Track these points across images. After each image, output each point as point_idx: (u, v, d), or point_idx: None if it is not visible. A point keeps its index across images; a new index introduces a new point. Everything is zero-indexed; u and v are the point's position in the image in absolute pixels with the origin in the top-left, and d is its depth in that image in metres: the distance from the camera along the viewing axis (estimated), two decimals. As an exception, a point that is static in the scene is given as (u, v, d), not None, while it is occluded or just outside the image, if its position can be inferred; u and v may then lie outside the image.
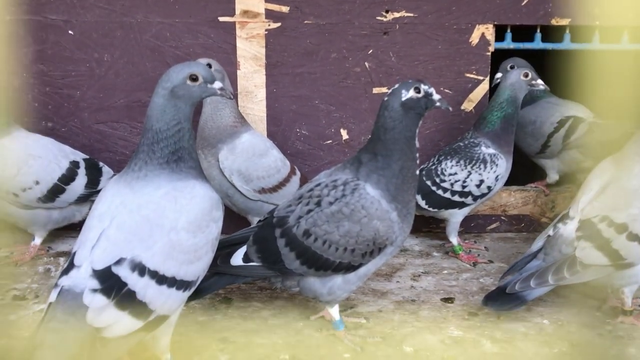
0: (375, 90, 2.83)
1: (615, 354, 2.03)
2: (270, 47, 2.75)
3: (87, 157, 2.68)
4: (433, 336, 2.10)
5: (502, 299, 2.16)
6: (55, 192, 2.51)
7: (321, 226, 1.93)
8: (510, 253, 2.77)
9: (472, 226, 3.00)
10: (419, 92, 1.92)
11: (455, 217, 2.68)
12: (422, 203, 2.61)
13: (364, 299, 2.35)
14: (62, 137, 2.73)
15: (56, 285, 1.63)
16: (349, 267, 1.96)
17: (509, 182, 2.77)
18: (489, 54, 2.82)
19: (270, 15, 2.72)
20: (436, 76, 2.81)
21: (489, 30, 2.78)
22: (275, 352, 1.99)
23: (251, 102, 2.79)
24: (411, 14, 2.75)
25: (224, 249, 2.03)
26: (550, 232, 2.24)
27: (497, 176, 2.60)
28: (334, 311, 2.07)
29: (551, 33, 2.87)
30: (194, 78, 1.74)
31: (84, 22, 2.69)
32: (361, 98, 2.83)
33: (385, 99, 1.95)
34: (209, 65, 2.43)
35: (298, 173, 2.68)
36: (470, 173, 2.59)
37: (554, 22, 2.77)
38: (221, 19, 2.71)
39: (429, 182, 2.62)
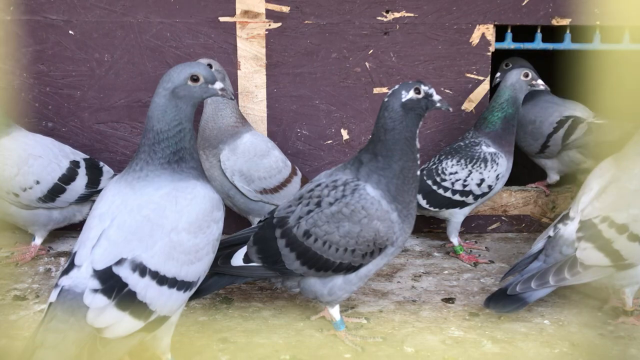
0: (376, 90, 2.83)
1: (617, 355, 2.02)
2: (271, 47, 2.75)
3: (87, 156, 2.68)
4: (434, 336, 2.10)
5: (503, 300, 2.16)
6: (55, 191, 2.51)
7: (321, 227, 1.93)
8: (511, 253, 2.77)
9: (472, 226, 3.00)
10: (419, 93, 1.92)
11: (456, 217, 2.68)
12: (423, 202, 2.61)
13: (365, 299, 2.35)
14: (63, 137, 2.74)
15: (56, 285, 1.63)
16: (350, 268, 1.96)
17: (510, 182, 2.77)
18: (490, 54, 2.82)
19: (270, 15, 2.72)
20: (436, 76, 2.81)
21: (489, 31, 2.78)
22: (275, 352, 1.99)
23: (252, 102, 2.78)
24: (411, 14, 2.75)
25: (225, 250, 2.03)
26: (551, 233, 2.23)
27: (498, 175, 2.60)
28: (335, 311, 2.07)
29: (552, 33, 2.87)
30: (195, 78, 1.74)
31: (85, 22, 2.69)
32: (361, 98, 2.83)
33: (386, 99, 1.95)
34: (210, 66, 2.43)
35: (299, 173, 2.68)
36: (471, 172, 2.59)
37: (554, 22, 2.77)
38: (222, 19, 2.71)
39: (429, 182, 2.62)
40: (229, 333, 2.09)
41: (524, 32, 2.83)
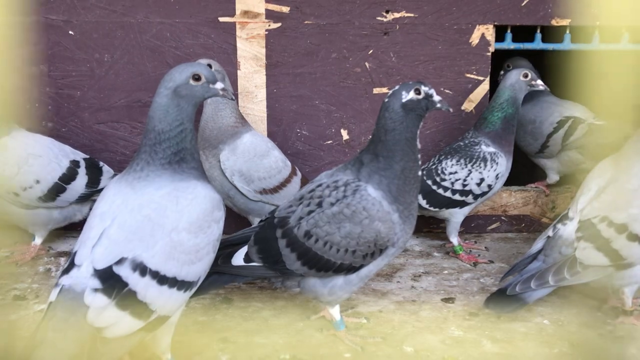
0: (376, 90, 2.83)
1: (616, 354, 2.03)
2: (271, 47, 2.75)
3: (87, 156, 2.68)
4: (433, 336, 2.10)
5: (503, 300, 2.17)
6: (55, 191, 2.51)
7: (322, 227, 1.93)
8: (510, 253, 2.78)
9: (472, 226, 3.01)
10: (419, 93, 1.92)
11: (455, 217, 2.68)
12: (423, 202, 2.61)
13: (365, 299, 2.35)
14: (63, 137, 2.74)
15: (57, 284, 1.63)
16: (350, 268, 1.96)
17: (510, 182, 2.78)
18: (489, 54, 2.82)
19: (270, 15, 2.72)
20: (436, 76, 2.82)
21: (489, 31, 2.79)
22: (275, 352, 1.99)
23: (251, 102, 2.79)
24: (411, 14, 2.75)
25: (225, 249, 2.03)
26: (550, 233, 2.24)
27: (498, 175, 2.60)
28: (335, 311, 2.07)
29: (551, 33, 2.87)
30: (196, 78, 1.74)
31: (85, 22, 2.69)
32: (361, 98, 2.83)
33: (386, 100, 1.95)
34: (209, 66, 2.43)
35: (299, 174, 2.68)
36: (470, 172, 2.59)
37: (554, 22, 2.78)
38: (221, 19, 2.71)
39: (429, 182, 2.62)
40: (229, 333, 2.09)
41: (523, 33, 2.84)
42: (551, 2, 2.75)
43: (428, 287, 2.46)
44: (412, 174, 1.94)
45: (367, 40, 2.77)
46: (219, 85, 1.79)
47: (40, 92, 2.74)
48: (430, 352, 2.01)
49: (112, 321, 1.58)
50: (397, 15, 2.75)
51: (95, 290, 1.58)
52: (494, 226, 3.01)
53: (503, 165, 2.61)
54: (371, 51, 2.79)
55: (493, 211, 2.99)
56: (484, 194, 2.62)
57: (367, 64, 2.80)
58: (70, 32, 2.70)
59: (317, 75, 2.80)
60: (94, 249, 1.62)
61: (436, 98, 1.95)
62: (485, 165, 2.59)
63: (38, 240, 2.61)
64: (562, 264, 2.12)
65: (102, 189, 2.57)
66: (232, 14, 2.71)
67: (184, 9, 2.69)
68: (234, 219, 2.74)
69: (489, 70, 2.85)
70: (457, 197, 2.61)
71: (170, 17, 2.70)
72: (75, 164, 2.59)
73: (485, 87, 2.86)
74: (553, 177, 3.00)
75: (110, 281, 1.59)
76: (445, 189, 2.61)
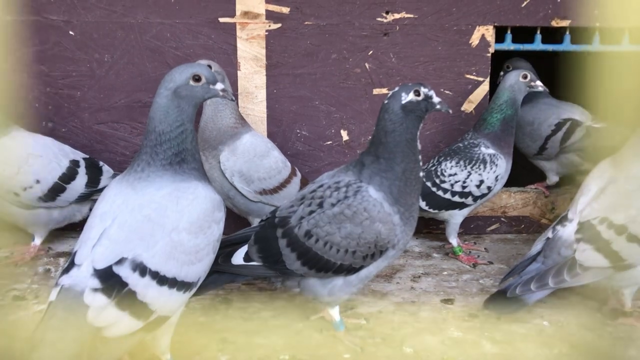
0: (376, 91, 2.83)
1: (616, 356, 2.03)
2: (271, 48, 2.75)
3: (87, 156, 2.68)
4: (433, 337, 2.10)
5: (502, 302, 2.17)
6: (55, 191, 2.51)
7: (323, 227, 1.93)
8: (510, 254, 2.78)
9: (472, 227, 3.01)
10: (418, 95, 1.92)
11: (455, 218, 2.68)
12: (423, 204, 2.61)
13: (364, 300, 2.35)
14: (63, 138, 2.74)
15: (57, 284, 1.63)
16: (350, 269, 1.96)
17: (509, 184, 2.78)
18: (489, 55, 2.82)
19: (270, 16, 2.72)
20: (436, 77, 2.82)
21: (489, 32, 2.79)
22: (275, 353, 1.99)
23: (251, 103, 2.79)
24: (411, 15, 2.76)
25: (226, 248, 2.02)
26: (550, 235, 2.23)
27: (497, 176, 2.60)
28: (335, 312, 2.07)
29: (551, 34, 2.88)
30: (197, 78, 1.74)
31: (85, 22, 2.69)
32: (361, 99, 2.84)
33: (386, 101, 1.95)
34: (209, 67, 2.43)
35: (299, 174, 2.68)
36: (470, 173, 2.59)
37: (554, 23, 2.78)
38: (222, 19, 2.71)
39: (429, 183, 2.62)
40: (228, 333, 2.09)
41: (523, 33, 2.84)
42: (551, 3, 2.75)
43: (427, 288, 2.46)
44: (413, 176, 1.94)
45: (367, 41, 2.78)
46: (219, 86, 1.79)
47: (40, 92, 2.74)
48: (430, 353, 2.01)
49: (112, 321, 1.58)
50: (397, 16, 2.76)
51: (95, 290, 1.58)
52: (493, 227, 3.01)
53: (502, 167, 2.61)
54: (371, 52, 2.79)
55: (493, 212, 2.99)
56: (483, 195, 2.62)
57: (367, 64, 2.80)
58: (71, 32, 2.70)
59: (317, 76, 2.80)
60: (94, 249, 1.62)
61: (436, 99, 1.95)
62: (485, 167, 2.59)
63: (38, 241, 2.61)
64: (562, 265, 2.12)
65: (102, 189, 2.57)
66: (233, 15, 2.71)
67: (184, 9, 2.69)
68: (234, 219, 2.74)
69: (489, 71, 2.85)
70: (456, 198, 2.61)
71: (170, 18, 2.70)
72: (75, 164, 2.59)
73: (485, 88, 2.86)
74: (552, 179, 3.00)
75: (110, 281, 1.59)
76: (445, 190, 2.61)
